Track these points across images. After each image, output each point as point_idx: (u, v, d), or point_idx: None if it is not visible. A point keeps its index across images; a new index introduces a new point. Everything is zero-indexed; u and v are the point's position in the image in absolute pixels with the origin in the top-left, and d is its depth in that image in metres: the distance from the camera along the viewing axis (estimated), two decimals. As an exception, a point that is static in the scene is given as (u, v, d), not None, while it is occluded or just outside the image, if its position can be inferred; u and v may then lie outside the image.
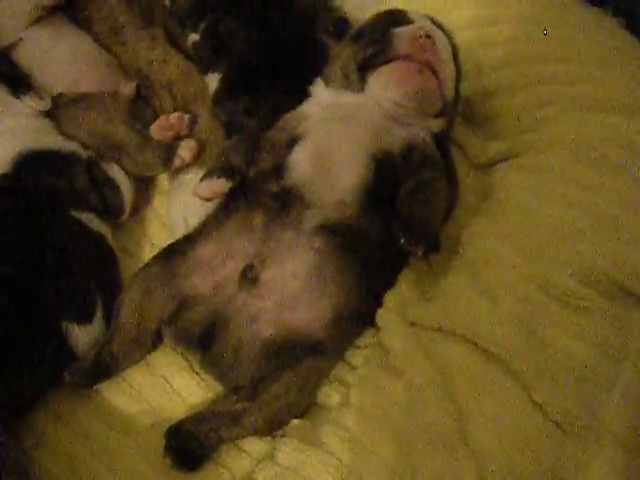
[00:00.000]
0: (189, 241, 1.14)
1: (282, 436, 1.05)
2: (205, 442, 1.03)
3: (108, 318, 1.17)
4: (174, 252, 1.14)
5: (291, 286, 1.06)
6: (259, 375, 1.04)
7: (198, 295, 1.10)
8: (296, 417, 1.05)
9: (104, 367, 1.13)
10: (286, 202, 1.09)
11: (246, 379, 1.05)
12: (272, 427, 1.05)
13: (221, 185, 1.14)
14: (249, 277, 1.07)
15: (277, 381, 1.03)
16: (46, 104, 1.26)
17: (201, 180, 1.15)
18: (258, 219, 1.10)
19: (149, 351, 1.17)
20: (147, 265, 1.15)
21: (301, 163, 1.12)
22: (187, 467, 1.03)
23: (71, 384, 1.11)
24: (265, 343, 1.05)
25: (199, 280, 1.11)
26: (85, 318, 1.15)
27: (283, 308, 1.06)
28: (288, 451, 0.99)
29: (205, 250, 1.12)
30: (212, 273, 1.11)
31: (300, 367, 1.04)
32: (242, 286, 1.08)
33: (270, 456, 1.01)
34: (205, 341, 1.08)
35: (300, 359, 1.04)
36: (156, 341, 1.16)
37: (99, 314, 1.16)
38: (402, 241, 1.02)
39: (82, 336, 1.14)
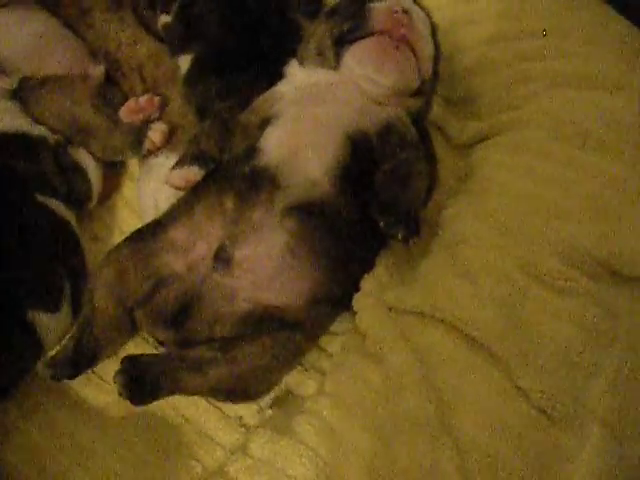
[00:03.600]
0: (159, 225, 1.11)
1: (257, 427, 1.02)
2: (161, 381, 0.99)
3: (75, 306, 1.14)
4: (144, 235, 1.11)
5: (265, 266, 1.03)
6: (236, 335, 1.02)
7: (172, 275, 1.06)
8: (259, 398, 1.05)
9: (87, 355, 1.08)
10: (257, 183, 1.06)
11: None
12: (232, 391, 1.02)
13: (194, 173, 1.11)
14: (222, 258, 1.04)
15: (253, 342, 1.00)
16: (11, 81, 1.24)
17: (173, 169, 1.12)
18: (229, 201, 1.07)
19: (131, 335, 1.14)
20: (118, 247, 1.11)
21: (273, 144, 1.09)
22: (134, 398, 0.98)
23: (52, 377, 1.07)
24: (242, 317, 1.03)
25: (172, 260, 1.07)
26: (52, 306, 1.11)
27: (258, 287, 1.03)
28: (261, 442, 0.96)
29: (175, 234, 1.09)
30: (184, 254, 1.07)
31: (278, 335, 1.01)
32: (216, 267, 1.04)
33: (243, 448, 0.97)
34: (179, 319, 1.04)
35: (279, 329, 1.02)
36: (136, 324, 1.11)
37: (66, 302, 1.13)
38: (382, 224, 1.00)
39: (50, 325, 1.11)
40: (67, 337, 1.12)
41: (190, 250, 1.07)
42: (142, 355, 1.03)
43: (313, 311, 1.05)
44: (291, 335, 1.03)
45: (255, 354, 1.00)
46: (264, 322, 1.02)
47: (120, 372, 0.99)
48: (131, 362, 1.00)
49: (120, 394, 0.98)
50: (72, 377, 1.08)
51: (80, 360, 1.08)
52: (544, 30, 1.12)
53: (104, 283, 1.09)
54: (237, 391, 1.03)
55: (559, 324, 0.93)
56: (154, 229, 1.11)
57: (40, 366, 1.08)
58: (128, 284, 1.08)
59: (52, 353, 1.11)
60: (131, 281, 1.08)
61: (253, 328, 1.02)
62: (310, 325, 1.06)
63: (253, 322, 1.02)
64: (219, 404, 1.10)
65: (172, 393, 1.02)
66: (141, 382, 0.98)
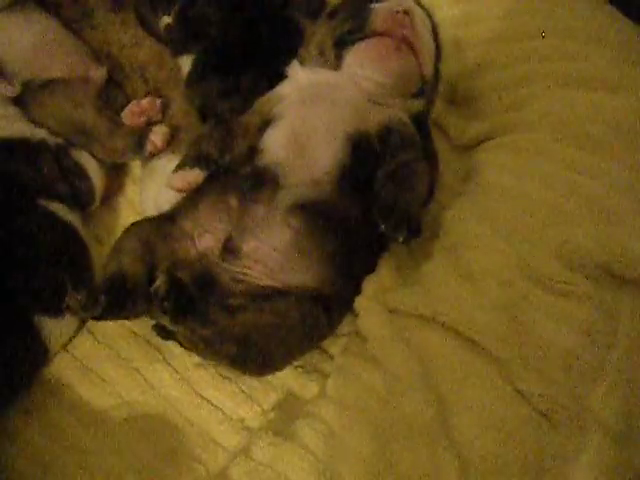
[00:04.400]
0: (167, 217, 1.12)
1: (259, 429, 1.02)
2: (197, 304, 1.00)
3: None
4: (158, 221, 1.11)
5: (274, 257, 1.04)
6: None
7: (186, 259, 1.07)
8: (267, 372, 1.05)
9: (121, 295, 1.03)
10: (259, 183, 1.06)
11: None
12: (255, 349, 1.00)
13: (195, 175, 1.11)
14: (230, 249, 1.05)
15: (281, 300, 1.02)
16: (15, 90, 1.23)
17: (174, 171, 1.12)
18: (233, 200, 1.07)
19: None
20: (138, 222, 1.12)
21: (275, 145, 1.09)
22: (174, 309, 0.98)
23: (83, 309, 0.99)
24: (254, 291, 1.03)
25: (185, 246, 1.08)
26: (57, 311, 1.10)
27: (269, 277, 1.04)
28: (263, 445, 0.96)
29: (183, 225, 1.10)
30: (193, 244, 1.08)
31: (302, 301, 1.02)
32: (225, 258, 1.05)
33: (245, 450, 0.98)
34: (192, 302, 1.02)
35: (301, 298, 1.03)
36: None
37: None
38: (382, 227, 0.99)
39: (55, 329, 1.11)
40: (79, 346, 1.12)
41: (199, 241, 1.08)
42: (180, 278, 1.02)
43: None
44: (313, 307, 1.03)
45: (281, 310, 1.01)
46: (277, 294, 1.03)
47: (163, 284, 0.98)
48: (172, 279, 1.00)
49: (160, 303, 0.97)
50: (102, 317, 1.02)
51: (113, 299, 1.02)
52: (542, 32, 1.11)
53: (130, 251, 1.07)
54: (256, 352, 1.00)
55: (560, 327, 0.93)
56: (162, 220, 1.12)
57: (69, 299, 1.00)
58: (153, 255, 1.08)
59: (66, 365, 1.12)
60: (155, 253, 1.08)
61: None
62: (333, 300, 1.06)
63: (267, 294, 1.03)
64: (221, 405, 1.09)
65: (202, 323, 1.00)
66: (180, 296, 0.98)
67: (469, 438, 0.89)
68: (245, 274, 1.04)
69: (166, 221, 1.11)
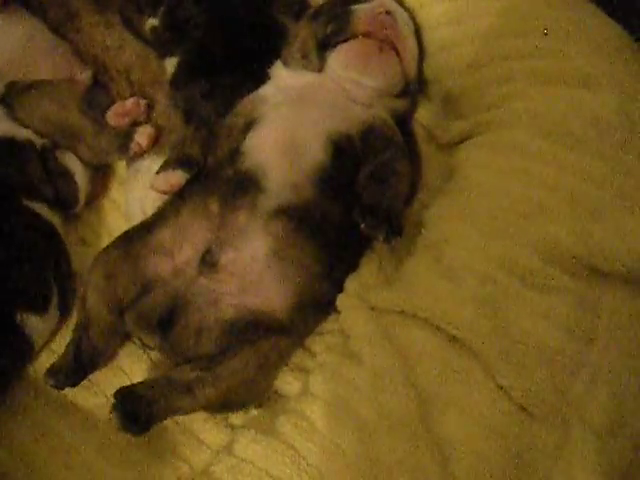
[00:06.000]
0: (146, 227, 1.11)
1: (242, 427, 1.02)
2: (154, 409, 0.98)
3: (62, 307, 1.16)
4: (132, 237, 1.11)
5: (251, 269, 1.04)
6: (219, 351, 1.01)
7: (158, 278, 1.07)
8: (253, 403, 1.04)
9: (87, 361, 1.09)
10: (241, 186, 1.06)
11: (206, 354, 1.03)
12: (226, 404, 1.03)
13: (178, 177, 1.12)
14: (209, 261, 1.04)
15: (236, 356, 1.00)
16: None
17: (157, 172, 1.13)
18: (214, 205, 1.07)
19: (126, 336, 1.14)
20: (106, 250, 1.11)
21: (256, 147, 1.09)
22: (132, 430, 0.98)
23: (56, 386, 1.07)
24: (227, 324, 1.02)
25: (159, 263, 1.08)
26: (41, 308, 1.12)
27: (244, 291, 1.04)
28: (245, 442, 0.96)
29: (162, 236, 1.09)
30: (171, 258, 1.08)
31: (261, 344, 1.01)
32: (202, 270, 1.05)
33: (228, 447, 0.98)
34: (165, 324, 1.04)
35: (262, 337, 1.01)
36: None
37: (54, 303, 1.14)
38: (363, 226, 0.99)
39: (39, 326, 1.12)
40: (64, 346, 1.12)
41: (176, 254, 1.07)
42: (133, 386, 1.02)
43: (299, 313, 1.05)
44: (276, 342, 1.03)
45: (239, 369, 1.00)
46: (249, 330, 1.02)
47: (115, 408, 0.98)
48: (123, 396, 1.00)
49: (119, 429, 0.98)
50: (74, 385, 1.09)
51: (81, 367, 1.09)
52: (545, 29, 1.12)
53: (94, 288, 1.09)
54: (228, 404, 1.03)
55: (540, 322, 0.93)
56: (141, 231, 1.11)
57: (43, 376, 1.08)
58: (117, 288, 1.08)
59: (50, 363, 1.11)
60: (119, 284, 1.08)
61: (238, 338, 1.01)
62: (296, 328, 1.06)
63: (238, 330, 1.02)
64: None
65: (166, 417, 1.02)
66: (136, 414, 0.98)
67: (451, 433, 0.90)
68: (219, 292, 1.04)
69: (139, 238, 1.10)
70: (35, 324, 1.11)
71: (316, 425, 0.95)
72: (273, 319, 1.03)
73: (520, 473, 0.88)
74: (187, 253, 1.07)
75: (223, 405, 1.03)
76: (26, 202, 1.16)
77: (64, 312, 1.16)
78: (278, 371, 1.07)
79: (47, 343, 1.17)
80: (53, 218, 1.20)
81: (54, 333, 1.17)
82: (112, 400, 0.98)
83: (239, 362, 1.00)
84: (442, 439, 0.90)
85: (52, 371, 1.08)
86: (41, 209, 1.18)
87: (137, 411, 0.97)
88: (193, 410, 1.02)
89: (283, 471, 0.91)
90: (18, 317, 1.09)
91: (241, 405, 1.04)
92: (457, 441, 0.89)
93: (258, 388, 1.05)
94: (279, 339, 1.03)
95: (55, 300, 1.14)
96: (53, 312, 1.14)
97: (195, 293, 1.04)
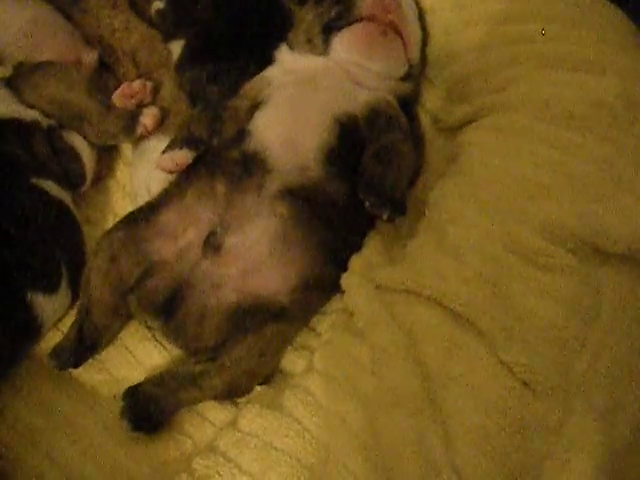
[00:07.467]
0: (151, 208, 1.12)
1: (247, 403, 1.02)
2: (164, 405, 1.01)
3: (73, 287, 1.15)
4: (137, 218, 1.11)
5: (255, 252, 1.04)
6: (222, 340, 1.02)
7: (162, 261, 1.07)
8: (259, 384, 1.04)
9: (89, 342, 1.11)
10: (247, 167, 1.07)
11: (209, 345, 1.03)
12: (232, 392, 1.04)
13: (184, 156, 1.12)
14: (212, 244, 1.05)
15: (239, 345, 1.01)
16: (6, 70, 1.25)
17: (163, 152, 1.13)
18: (220, 186, 1.08)
19: (129, 318, 1.15)
20: (110, 232, 1.12)
21: (262, 129, 1.10)
22: (145, 430, 1.00)
23: (58, 367, 1.09)
24: (229, 309, 1.03)
25: (163, 246, 1.08)
26: (50, 287, 1.12)
27: (247, 275, 1.04)
28: (250, 417, 0.97)
29: (167, 217, 1.10)
30: (175, 240, 1.08)
31: (263, 331, 1.02)
32: (206, 253, 1.05)
33: (233, 423, 0.98)
34: (168, 308, 1.06)
35: (263, 324, 1.02)
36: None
37: (64, 283, 1.14)
38: (367, 204, 1.00)
39: (48, 306, 1.12)
40: (69, 325, 1.14)
41: (180, 236, 1.08)
42: (139, 385, 1.04)
43: (302, 295, 1.06)
44: (278, 329, 1.04)
45: (242, 358, 1.01)
46: (251, 317, 1.02)
47: (124, 412, 1.01)
48: (130, 398, 1.02)
49: (131, 432, 1.00)
50: (76, 366, 1.11)
51: (83, 348, 1.11)
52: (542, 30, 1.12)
53: (98, 270, 1.09)
54: (234, 392, 1.05)
55: (543, 300, 0.93)
56: (146, 212, 1.11)
57: (46, 357, 1.09)
58: (121, 270, 1.09)
59: (55, 342, 1.12)
60: (123, 267, 1.09)
61: (240, 325, 1.02)
62: (298, 309, 1.07)
63: (240, 317, 1.03)
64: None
65: (176, 411, 1.04)
66: (148, 415, 1.00)
67: (454, 408, 0.90)
68: (222, 275, 1.04)
69: (144, 219, 1.10)
70: (44, 304, 1.11)
71: (321, 400, 0.95)
72: (275, 304, 1.04)
73: (522, 447, 0.88)
74: (191, 235, 1.07)
75: (229, 393, 1.04)
76: (34, 180, 1.16)
77: (76, 292, 1.16)
78: (281, 355, 1.08)
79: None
80: (64, 195, 1.20)
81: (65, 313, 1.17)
82: (116, 376, 0.99)
83: (242, 351, 1.01)
84: (445, 414, 0.90)
85: (55, 352, 1.10)
86: (51, 187, 1.18)
87: (147, 410, 1.00)
88: (201, 401, 1.05)
89: (288, 444, 0.92)
90: (28, 296, 1.09)
91: (247, 392, 1.05)
92: (459, 416, 0.89)
93: (262, 373, 1.05)
94: (281, 326, 1.04)
95: (65, 280, 1.14)
96: (64, 292, 1.14)
97: (198, 276, 1.05)
